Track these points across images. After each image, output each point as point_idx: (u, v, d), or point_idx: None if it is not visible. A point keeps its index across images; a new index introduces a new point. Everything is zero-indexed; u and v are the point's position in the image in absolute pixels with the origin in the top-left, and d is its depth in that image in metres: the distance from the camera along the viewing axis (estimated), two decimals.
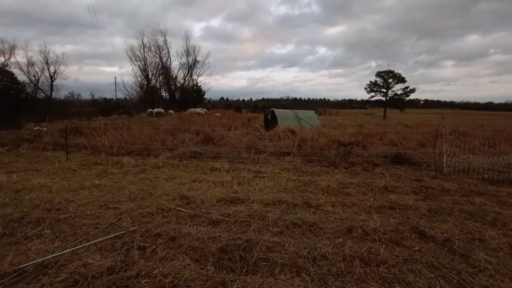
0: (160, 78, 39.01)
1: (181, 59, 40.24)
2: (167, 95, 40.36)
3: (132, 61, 36.54)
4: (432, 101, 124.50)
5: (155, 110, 27.12)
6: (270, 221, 3.59)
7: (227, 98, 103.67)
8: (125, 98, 39.26)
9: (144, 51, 36.67)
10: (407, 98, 51.61)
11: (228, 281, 2.37)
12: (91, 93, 40.30)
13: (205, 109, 30.77)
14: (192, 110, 27.62)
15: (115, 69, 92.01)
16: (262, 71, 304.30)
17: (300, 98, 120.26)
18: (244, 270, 2.56)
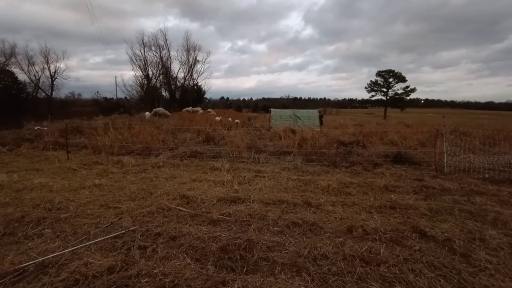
0: (161, 77, 39.01)
1: (181, 58, 40.25)
2: (167, 94, 40.36)
3: (133, 60, 36.50)
4: (433, 100, 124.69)
5: (146, 114, 22.27)
6: (271, 220, 3.59)
7: (227, 98, 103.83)
8: (125, 97, 39.28)
9: (144, 50, 36.64)
10: (408, 98, 51.68)
11: (229, 281, 2.37)
12: (98, 92, 40.91)
13: (210, 109, 30.29)
14: (188, 109, 27.15)
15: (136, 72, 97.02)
16: (271, 75, 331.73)
17: (301, 98, 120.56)
18: (245, 270, 2.56)
